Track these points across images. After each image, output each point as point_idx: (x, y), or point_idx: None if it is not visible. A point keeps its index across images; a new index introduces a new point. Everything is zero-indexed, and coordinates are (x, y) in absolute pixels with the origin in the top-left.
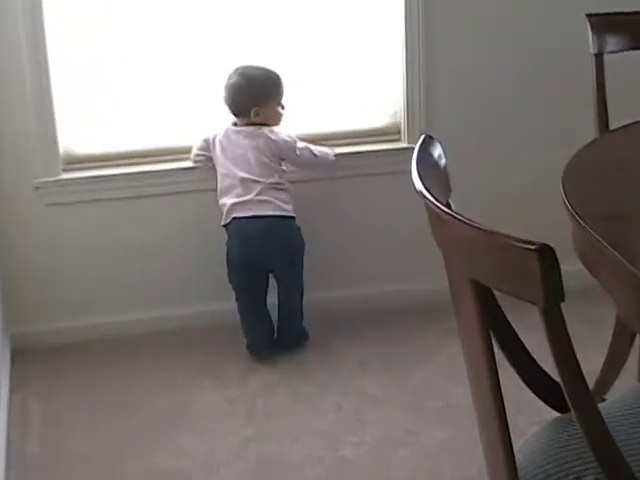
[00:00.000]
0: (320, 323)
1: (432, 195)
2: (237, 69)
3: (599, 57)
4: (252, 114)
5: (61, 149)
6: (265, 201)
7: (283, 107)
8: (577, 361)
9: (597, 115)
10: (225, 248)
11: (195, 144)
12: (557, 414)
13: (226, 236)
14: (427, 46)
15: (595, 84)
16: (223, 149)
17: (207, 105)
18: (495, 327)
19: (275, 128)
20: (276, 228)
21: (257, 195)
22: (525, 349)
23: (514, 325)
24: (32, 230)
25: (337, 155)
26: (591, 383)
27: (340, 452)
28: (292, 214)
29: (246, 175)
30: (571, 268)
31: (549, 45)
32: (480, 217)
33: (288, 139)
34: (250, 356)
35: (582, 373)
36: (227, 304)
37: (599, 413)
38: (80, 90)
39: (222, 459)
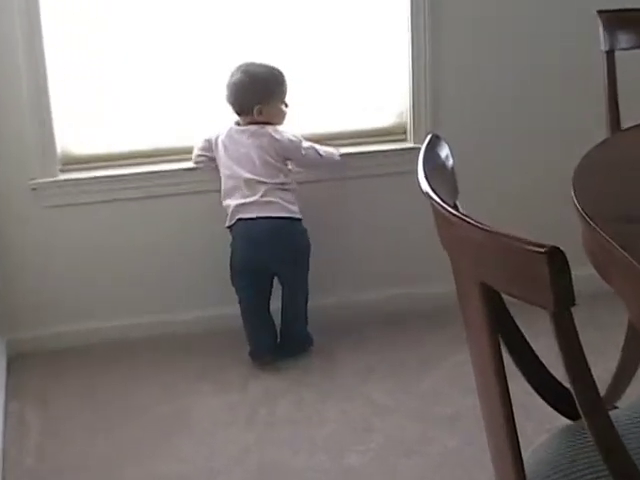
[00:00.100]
0: (324, 328)
1: (439, 196)
2: (240, 66)
3: (610, 54)
4: (255, 112)
5: (59, 149)
6: (270, 202)
7: (287, 105)
8: (588, 367)
9: (609, 114)
10: (227, 251)
11: (196, 144)
12: (567, 421)
13: (228, 239)
14: (433, 45)
15: (607, 82)
16: (226, 149)
17: (208, 104)
18: (504, 332)
19: (279, 127)
20: (281, 229)
21: (263, 196)
22: (534, 354)
23: (523, 330)
24: (29, 232)
25: (342, 155)
26: (602, 390)
27: (345, 461)
28: (298, 215)
29: (251, 176)
30: (580, 272)
31: (558, 45)
32: (487, 218)
33: (293, 138)
34: (252, 362)
35: (593, 379)
36: (229, 308)
37: (610, 421)
38: (79, 90)
39: (222, 466)
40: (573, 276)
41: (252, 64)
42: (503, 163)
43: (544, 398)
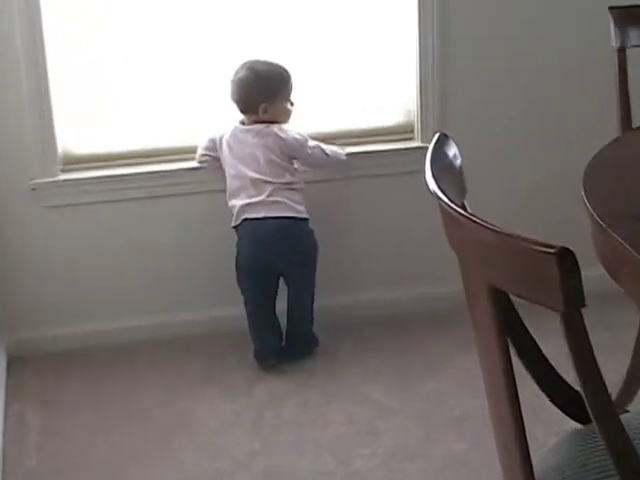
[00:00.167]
0: (330, 329)
1: (447, 196)
2: (245, 63)
3: (621, 52)
4: (260, 111)
5: (59, 149)
6: (277, 202)
7: (292, 104)
8: (599, 369)
9: (620, 112)
10: (229, 251)
11: (200, 144)
12: (576, 425)
13: (230, 239)
14: (441, 43)
15: (617, 80)
16: (231, 149)
17: (212, 103)
18: (512, 333)
19: (284, 126)
20: (288, 229)
21: (269, 196)
22: (544, 356)
23: (532, 332)
24: (28, 233)
25: (349, 155)
26: (613, 393)
27: (351, 465)
28: (305, 215)
29: (256, 175)
30: (590, 272)
31: (567, 43)
32: (495, 218)
33: (298, 137)
34: (257, 364)
35: (604, 382)
36: (234, 309)
37: (622, 424)
38: (79, 90)
39: (227, 471)
40: (583, 276)
41: (257, 61)
42: (512, 162)
43: (554, 401)
